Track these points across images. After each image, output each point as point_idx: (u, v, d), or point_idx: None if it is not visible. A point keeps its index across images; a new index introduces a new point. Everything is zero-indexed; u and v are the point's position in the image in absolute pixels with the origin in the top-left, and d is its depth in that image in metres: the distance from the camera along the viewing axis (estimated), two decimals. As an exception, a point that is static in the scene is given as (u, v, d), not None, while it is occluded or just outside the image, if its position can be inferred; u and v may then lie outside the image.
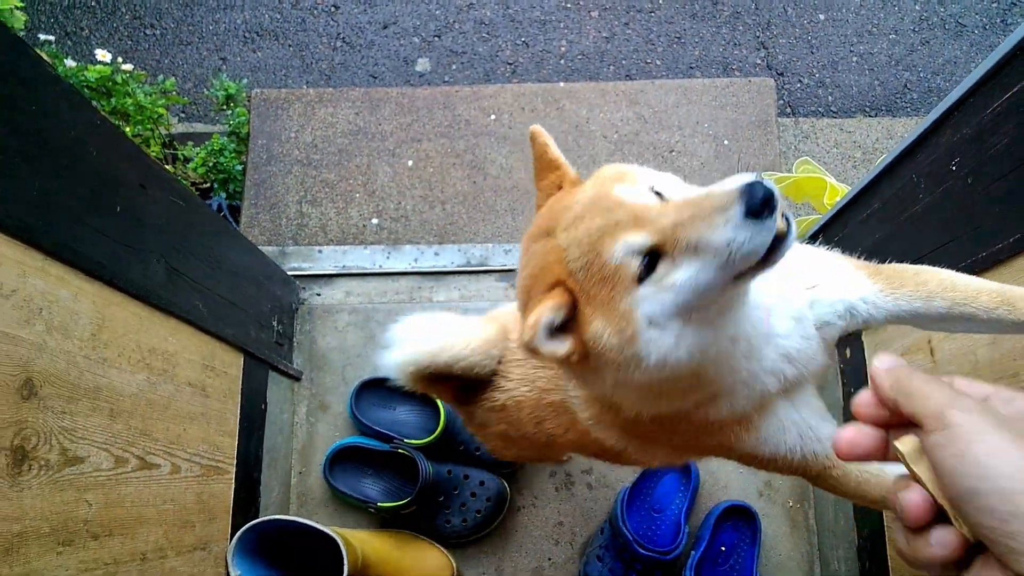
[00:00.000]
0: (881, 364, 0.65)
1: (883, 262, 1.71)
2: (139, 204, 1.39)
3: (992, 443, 0.54)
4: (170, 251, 1.49)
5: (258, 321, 1.95)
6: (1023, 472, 0.51)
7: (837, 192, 2.16)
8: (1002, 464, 0.52)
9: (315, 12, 3.28)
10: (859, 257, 1.86)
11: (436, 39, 3.30)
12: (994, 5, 3.39)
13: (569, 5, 3.33)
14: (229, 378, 1.74)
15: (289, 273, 2.36)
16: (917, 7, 3.38)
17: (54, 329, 1.11)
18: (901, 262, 1.63)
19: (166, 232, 1.49)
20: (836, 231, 2.04)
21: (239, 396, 1.78)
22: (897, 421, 0.63)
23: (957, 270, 1.39)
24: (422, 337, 1.25)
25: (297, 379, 2.19)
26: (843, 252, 1.98)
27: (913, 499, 0.59)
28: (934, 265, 1.48)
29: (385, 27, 3.28)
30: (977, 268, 1.32)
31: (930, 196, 1.52)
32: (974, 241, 1.34)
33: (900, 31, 3.35)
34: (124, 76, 2.60)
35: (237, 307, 1.81)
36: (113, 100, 2.58)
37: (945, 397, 0.58)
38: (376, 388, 2.15)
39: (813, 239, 2.23)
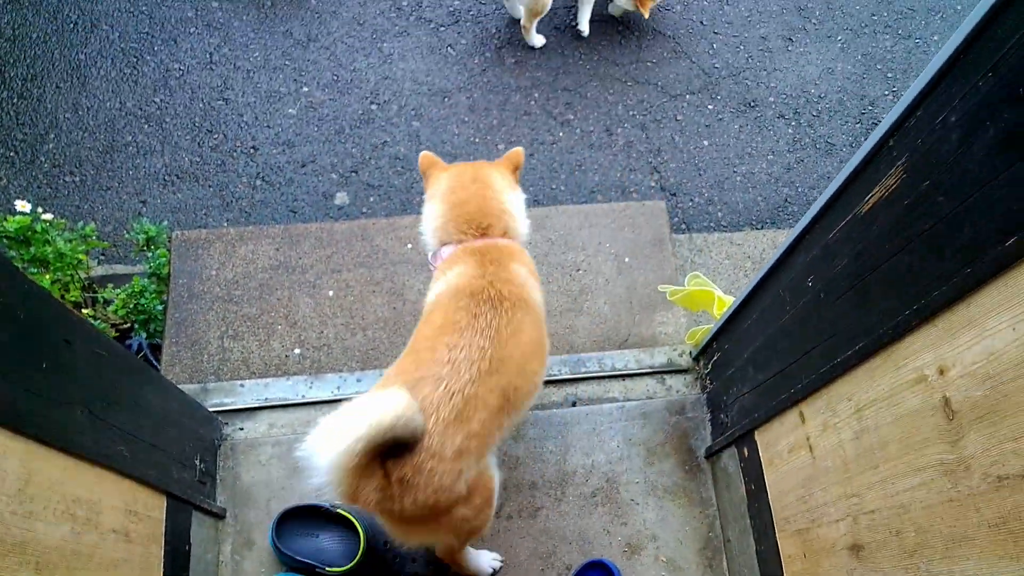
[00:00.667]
0: None
1: (766, 367, 1.90)
2: (64, 358, 1.45)
3: None
4: (94, 400, 1.54)
5: (180, 461, 1.98)
6: None
7: (724, 303, 2.37)
8: None
9: (234, 154, 3.44)
10: (746, 363, 2.05)
11: (353, 174, 3.49)
12: (858, 126, 3.83)
13: (477, 140, 3.60)
14: (152, 521, 1.75)
15: (211, 409, 2.39)
16: (789, 130, 3.78)
17: (-19, 488, 1.15)
18: (781, 366, 1.82)
19: (90, 382, 1.54)
20: (726, 339, 2.24)
21: (163, 539, 1.78)
22: None
23: (818, 376, 1.58)
24: (357, 417, 1.34)
25: (221, 517, 2.19)
26: (734, 357, 2.17)
27: None
28: (801, 372, 1.67)
29: (303, 165, 3.46)
30: (836, 373, 1.50)
31: (794, 309, 1.72)
32: (830, 349, 1.53)
33: (776, 152, 3.73)
34: (44, 225, 2.66)
35: (159, 449, 1.84)
36: (32, 249, 2.63)
37: None
38: (298, 517, 2.17)
39: (708, 346, 2.42)
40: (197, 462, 2.09)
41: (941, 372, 1.18)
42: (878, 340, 1.34)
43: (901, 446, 1.33)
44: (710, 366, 2.44)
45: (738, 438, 2.10)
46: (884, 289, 1.35)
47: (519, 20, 3.76)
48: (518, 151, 2.19)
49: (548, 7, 3.52)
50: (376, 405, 1.35)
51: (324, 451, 1.34)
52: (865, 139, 3.95)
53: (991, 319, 1.06)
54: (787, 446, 1.79)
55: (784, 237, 3.57)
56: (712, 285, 2.46)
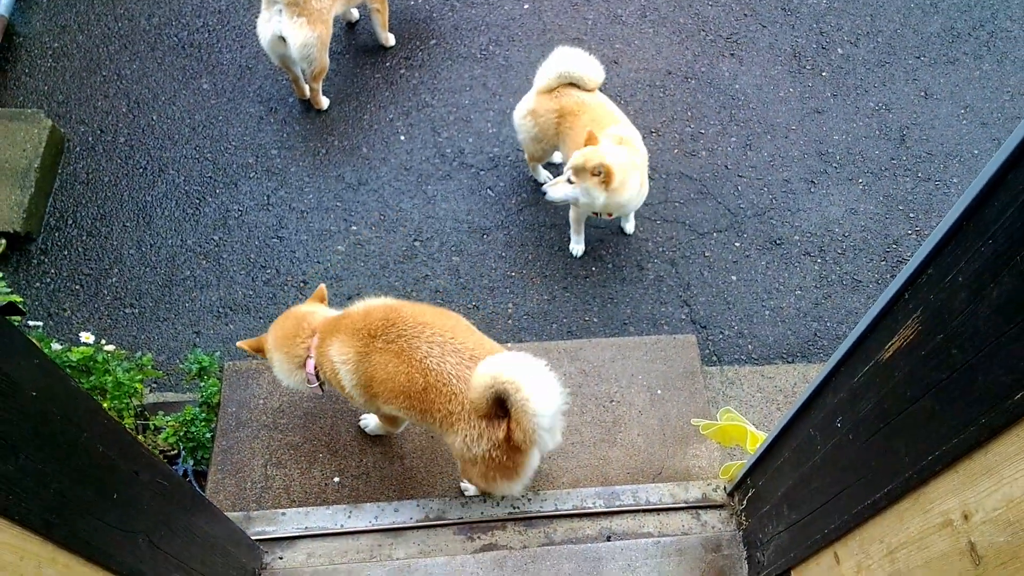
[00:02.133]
0: None
1: (800, 506, 1.93)
2: (131, 489, 1.55)
3: None
4: (153, 529, 1.63)
5: (225, 591, 2.03)
6: None
7: (757, 439, 2.42)
8: None
9: (285, 288, 3.65)
10: (781, 501, 2.07)
11: (395, 306, 3.65)
12: (883, 264, 3.94)
13: (513, 274, 3.77)
14: (196, 653, 1.78)
15: (253, 537, 2.44)
16: (816, 267, 3.90)
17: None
18: (814, 505, 1.85)
19: (151, 511, 1.63)
20: (760, 476, 2.27)
21: (204, 672, 1.81)
22: None
23: (851, 516, 1.62)
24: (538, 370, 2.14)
25: (259, 650, 2.21)
26: (768, 493, 2.19)
27: None
28: (834, 512, 1.70)
29: (349, 298, 3.64)
30: (867, 515, 1.54)
31: (824, 448, 1.78)
32: (861, 490, 1.58)
33: (803, 287, 3.84)
34: (105, 355, 2.83)
35: (207, 579, 1.90)
36: (93, 378, 2.79)
37: None
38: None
39: (743, 482, 2.44)
40: (239, 592, 2.13)
41: (965, 517, 1.22)
42: (905, 484, 1.39)
43: (935, 591, 1.35)
44: (745, 502, 2.45)
45: (775, 578, 2.10)
46: (908, 434, 1.41)
47: (560, 163, 4.02)
48: (320, 287, 2.88)
49: (542, 156, 3.78)
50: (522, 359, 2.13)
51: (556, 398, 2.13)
52: (891, 277, 4.03)
53: (1007, 467, 1.12)
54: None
55: (815, 371, 3.63)
56: (744, 420, 2.52)
